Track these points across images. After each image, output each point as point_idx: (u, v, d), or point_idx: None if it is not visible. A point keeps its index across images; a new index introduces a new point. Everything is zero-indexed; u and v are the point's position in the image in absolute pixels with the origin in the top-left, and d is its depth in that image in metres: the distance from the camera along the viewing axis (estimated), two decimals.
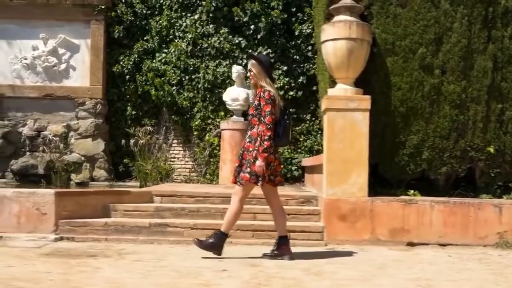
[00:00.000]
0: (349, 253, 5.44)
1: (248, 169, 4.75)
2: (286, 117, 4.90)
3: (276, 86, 8.87)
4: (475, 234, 5.84)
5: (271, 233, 5.88)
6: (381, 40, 6.18)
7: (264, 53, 9.36)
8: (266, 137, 4.69)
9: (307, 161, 8.41)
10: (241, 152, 4.92)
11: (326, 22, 6.31)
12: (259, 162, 4.67)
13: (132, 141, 9.06)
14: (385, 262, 4.98)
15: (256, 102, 4.82)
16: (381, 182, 6.42)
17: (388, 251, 5.63)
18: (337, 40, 5.95)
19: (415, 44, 6.12)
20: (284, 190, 7.62)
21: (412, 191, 6.18)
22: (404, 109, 6.14)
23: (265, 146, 4.68)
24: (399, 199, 5.91)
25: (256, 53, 9.34)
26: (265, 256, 4.98)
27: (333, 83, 6.39)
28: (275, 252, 5.00)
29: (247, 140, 4.87)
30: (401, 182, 6.45)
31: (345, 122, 5.89)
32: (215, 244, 4.90)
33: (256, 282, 4.02)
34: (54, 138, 9.46)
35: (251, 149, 4.77)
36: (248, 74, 4.96)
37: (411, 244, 5.85)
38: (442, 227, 5.86)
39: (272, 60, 9.40)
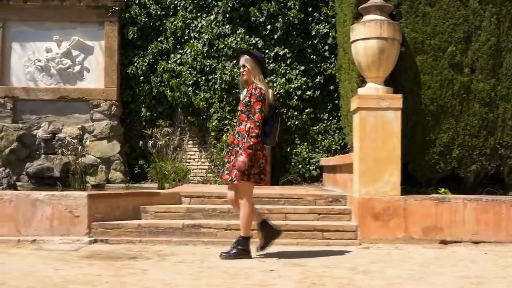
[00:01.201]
0: (387, 252, 5.46)
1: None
2: (275, 116, 4.88)
3: (293, 85, 8.95)
4: (507, 232, 5.87)
5: (305, 232, 5.92)
6: (410, 39, 6.20)
7: (281, 53, 9.36)
8: (253, 134, 4.66)
9: (328, 161, 8.42)
10: (230, 148, 4.93)
11: (355, 21, 6.32)
12: (242, 158, 4.63)
13: (150, 142, 9.03)
14: (426, 260, 5.00)
15: (247, 99, 4.78)
16: (410, 180, 6.43)
17: (423, 249, 5.65)
18: (368, 39, 5.96)
19: (444, 42, 6.15)
20: (302, 190, 7.65)
21: (442, 190, 6.20)
22: (434, 108, 6.17)
23: (251, 143, 4.65)
24: (431, 197, 5.93)
25: (274, 51, 9.35)
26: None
27: (361, 82, 6.40)
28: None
29: (236, 136, 4.87)
30: (430, 180, 6.47)
31: (377, 121, 5.90)
32: (243, 250, 4.93)
33: (310, 282, 4.02)
34: (72, 140, 9.40)
35: (240, 145, 4.75)
36: (242, 70, 4.88)
37: (444, 242, 5.87)
38: (475, 224, 5.89)
39: (289, 61, 9.42)
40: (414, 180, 6.47)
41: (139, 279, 4.06)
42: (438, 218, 5.89)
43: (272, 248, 5.49)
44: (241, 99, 5.00)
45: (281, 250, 5.43)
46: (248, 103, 4.76)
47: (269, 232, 5.05)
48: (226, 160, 4.95)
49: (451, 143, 6.20)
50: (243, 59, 4.90)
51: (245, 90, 5.01)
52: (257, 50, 9.45)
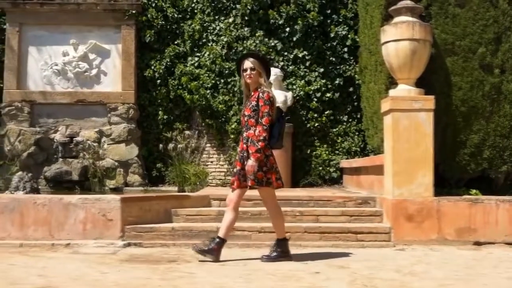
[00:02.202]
0: (423, 253, 5.46)
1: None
2: (281, 119, 4.86)
3: (312, 88, 8.96)
4: None
5: (338, 234, 5.92)
6: (440, 40, 6.21)
7: (300, 55, 9.37)
8: (261, 138, 4.63)
9: (350, 163, 8.42)
10: (241, 155, 4.82)
11: (385, 23, 6.33)
12: (251, 162, 4.61)
13: (171, 145, 9.02)
14: (466, 262, 5.00)
15: (254, 103, 4.72)
16: (439, 181, 6.43)
17: (458, 250, 5.65)
18: (399, 41, 5.97)
19: (474, 44, 6.17)
20: (328, 191, 7.65)
21: (474, 191, 6.21)
22: (465, 109, 6.18)
23: (259, 147, 4.62)
24: (465, 199, 5.94)
25: (293, 54, 9.35)
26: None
27: (391, 84, 6.42)
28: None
29: (244, 141, 4.80)
30: (460, 181, 6.48)
31: (410, 123, 5.92)
32: (283, 252, 4.96)
33: (361, 284, 4.02)
34: (93, 143, 9.39)
35: (251, 151, 4.70)
36: (248, 73, 4.76)
37: (477, 243, 5.88)
38: (508, 225, 5.90)
39: (308, 63, 9.43)
40: (444, 181, 6.47)
41: (190, 282, 4.04)
42: (471, 219, 5.89)
43: (308, 250, 5.51)
44: (244, 102, 4.96)
45: (318, 252, 5.44)
46: (256, 108, 4.70)
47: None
48: (239, 168, 4.80)
49: (482, 144, 6.21)
50: (251, 62, 4.79)
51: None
52: (276, 52, 9.47)
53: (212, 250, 4.85)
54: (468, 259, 5.12)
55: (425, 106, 5.91)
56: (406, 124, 5.91)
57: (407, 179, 5.90)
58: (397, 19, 6.10)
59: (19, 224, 5.86)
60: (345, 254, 5.36)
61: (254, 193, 6.99)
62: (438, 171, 6.33)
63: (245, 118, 4.81)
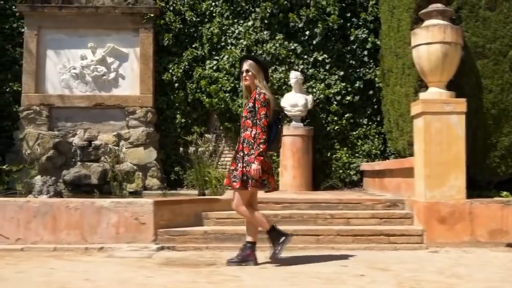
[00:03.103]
0: (458, 256, 5.47)
1: (245, 174, 4.69)
2: (278, 121, 4.87)
3: (332, 91, 8.96)
4: None
5: (371, 237, 5.92)
6: (470, 43, 6.22)
7: (320, 58, 9.39)
8: (262, 140, 4.63)
9: (373, 166, 8.42)
10: (237, 155, 4.83)
11: (415, 26, 6.34)
12: (255, 166, 4.60)
13: (192, 148, 9.02)
14: (505, 264, 5.01)
15: (251, 104, 4.72)
16: (469, 183, 6.43)
17: (492, 252, 5.65)
18: (431, 44, 5.98)
19: (505, 46, 6.18)
20: (353, 194, 7.65)
21: (504, 193, 6.21)
22: (495, 111, 6.19)
23: (261, 149, 4.63)
24: (497, 201, 5.94)
25: (313, 57, 9.37)
26: (230, 262, 4.85)
27: (420, 87, 6.43)
28: (239, 257, 4.89)
29: (242, 143, 4.80)
30: (490, 183, 6.49)
31: (442, 125, 5.92)
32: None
33: (409, 286, 4.02)
34: (114, 147, 9.38)
35: (246, 152, 4.71)
36: (244, 75, 4.81)
37: (510, 245, 5.88)
38: None
39: (328, 66, 9.44)
40: (473, 183, 6.46)
41: (238, 286, 4.04)
42: (503, 221, 5.90)
43: (342, 252, 5.52)
44: (244, 104, 4.96)
45: (354, 254, 5.43)
46: (252, 109, 4.71)
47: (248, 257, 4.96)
48: (232, 168, 4.81)
49: None
50: (247, 64, 4.83)
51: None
52: (296, 55, 9.49)
53: (247, 256, 4.88)
54: (505, 261, 5.12)
55: (456, 109, 5.92)
56: (438, 127, 5.91)
57: (439, 181, 5.90)
58: (428, 22, 6.11)
59: (51, 228, 5.85)
60: (381, 256, 5.37)
61: (283, 195, 7.03)
62: (468, 173, 6.32)
63: (242, 119, 4.82)
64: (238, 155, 4.81)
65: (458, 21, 6.27)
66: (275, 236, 4.91)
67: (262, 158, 4.64)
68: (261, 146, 4.64)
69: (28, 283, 4.12)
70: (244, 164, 4.71)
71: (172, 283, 4.11)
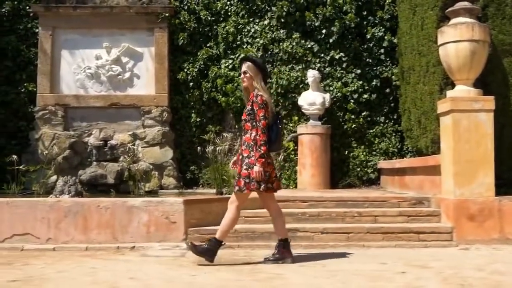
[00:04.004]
0: (490, 253, 5.49)
1: (248, 176, 4.71)
2: (278, 122, 4.88)
3: (349, 89, 8.98)
4: None
5: (401, 235, 5.94)
6: (497, 41, 6.25)
7: (337, 57, 9.41)
8: (262, 142, 4.64)
9: (393, 163, 8.45)
10: (240, 158, 4.86)
11: (441, 24, 6.36)
12: (258, 168, 4.62)
13: (210, 147, 9.01)
14: None
15: (249, 107, 4.75)
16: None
17: None
18: (459, 42, 6.01)
19: None
20: (375, 192, 7.68)
21: None
22: None
23: (262, 152, 4.64)
24: None
25: (329, 55, 9.39)
26: (266, 260, 4.87)
27: (445, 85, 6.45)
28: (276, 255, 4.89)
29: (243, 146, 4.83)
30: None
31: (470, 123, 5.95)
32: (210, 250, 4.83)
33: (456, 283, 4.04)
34: (132, 146, 9.38)
35: (246, 154, 4.74)
36: (242, 76, 4.87)
37: None
38: None
39: (345, 64, 9.47)
40: (498, 181, 6.49)
41: (285, 283, 4.06)
42: None
43: (373, 250, 5.54)
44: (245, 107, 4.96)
45: (387, 252, 5.46)
46: (251, 112, 4.73)
47: (284, 254, 4.94)
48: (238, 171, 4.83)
49: None
50: (245, 66, 4.85)
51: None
52: (313, 54, 9.50)
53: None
54: None
55: (485, 106, 5.94)
56: (466, 125, 5.95)
57: (468, 179, 5.93)
58: (455, 20, 6.13)
59: (82, 227, 5.86)
60: (414, 254, 5.39)
61: (309, 194, 7.05)
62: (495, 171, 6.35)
63: (243, 123, 4.87)
64: (239, 158, 4.86)
65: (484, 18, 6.30)
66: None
67: (263, 160, 4.66)
68: (262, 148, 4.65)
69: (74, 282, 4.12)
70: (246, 167, 4.73)
71: (218, 281, 4.12)
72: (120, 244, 5.79)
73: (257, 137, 4.65)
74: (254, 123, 4.71)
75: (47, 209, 5.87)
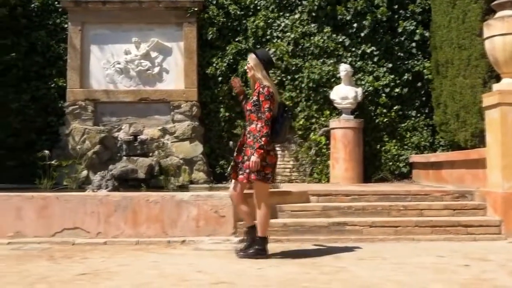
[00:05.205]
0: None
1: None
2: (284, 114, 4.89)
3: (381, 83, 8.97)
4: None
5: (449, 228, 5.94)
6: None
7: (368, 51, 9.41)
8: (264, 134, 4.66)
9: (428, 157, 8.44)
10: (244, 148, 4.88)
11: (486, 17, 6.35)
12: (255, 158, 4.63)
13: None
14: None
15: (255, 98, 4.78)
16: None
17: None
18: (507, 35, 5.99)
19: None
20: (421, 186, 7.67)
21: None
22: None
23: (262, 143, 4.65)
24: None
25: (361, 49, 9.40)
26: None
27: (490, 78, 6.44)
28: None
29: (248, 136, 4.85)
30: None
31: None
32: (260, 250, 4.89)
33: None
34: (166, 141, 9.41)
35: (251, 145, 4.75)
36: (246, 67, 4.99)
37: None
38: None
39: (376, 58, 9.46)
40: None
41: (352, 276, 4.07)
42: None
43: (425, 243, 5.54)
44: (249, 98, 4.99)
45: (439, 245, 5.48)
46: (257, 102, 4.76)
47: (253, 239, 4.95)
48: (239, 160, 4.88)
49: None
50: (249, 57, 4.97)
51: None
52: (344, 48, 9.50)
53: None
54: None
55: None
56: None
57: None
58: (502, 13, 6.12)
59: (132, 221, 5.88)
60: (467, 247, 5.42)
61: (349, 188, 7.05)
62: None
63: (247, 113, 4.88)
64: (243, 148, 4.87)
65: None
66: (253, 235, 4.96)
67: (262, 151, 4.66)
68: (263, 139, 4.67)
69: (141, 275, 4.14)
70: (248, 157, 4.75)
71: (286, 274, 4.14)
72: (170, 238, 5.81)
73: (261, 128, 4.68)
74: (259, 114, 4.73)
75: (97, 203, 5.89)
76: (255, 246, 4.94)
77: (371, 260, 4.76)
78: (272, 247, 5.46)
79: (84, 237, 5.84)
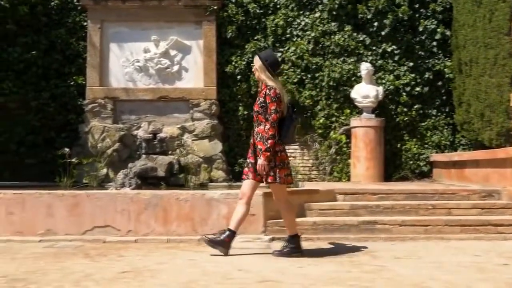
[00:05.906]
0: None
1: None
2: (292, 115, 4.88)
3: (401, 82, 8.97)
4: None
5: (479, 227, 5.94)
6: None
7: (389, 49, 9.42)
8: (270, 135, 4.66)
9: (450, 156, 8.45)
10: (253, 149, 4.88)
11: None
12: (261, 161, 4.65)
13: None
14: None
15: (262, 99, 4.77)
16: None
17: None
18: None
19: None
20: (446, 185, 7.67)
21: None
22: None
23: (268, 145, 4.65)
24: None
25: (381, 48, 9.40)
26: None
27: None
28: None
29: (256, 137, 4.84)
30: None
31: None
32: (294, 248, 4.93)
33: None
34: (183, 139, 9.42)
35: (260, 146, 4.74)
36: (253, 69, 5.01)
37: None
38: None
39: (397, 57, 9.45)
40: None
41: (394, 275, 4.08)
42: None
43: (456, 242, 5.55)
44: (258, 99, 4.96)
45: (469, 245, 5.48)
46: (264, 104, 4.75)
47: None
48: (253, 161, 4.86)
49: None
50: (254, 59, 4.98)
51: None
52: (365, 47, 9.50)
53: (224, 242, 4.88)
54: None
55: None
56: None
57: None
58: None
59: (162, 220, 5.89)
60: (499, 246, 5.42)
61: (378, 187, 7.06)
62: None
63: (255, 114, 4.87)
64: (254, 149, 4.87)
65: None
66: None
67: (268, 154, 4.67)
68: (269, 141, 4.66)
69: (184, 273, 4.15)
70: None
71: (328, 273, 4.14)
72: (201, 236, 5.79)
73: (267, 130, 4.68)
74: (267, 116, 4.72)
75: (127, 201, 5.90)
76: (289, 245, 4.95)
77: (407, 259, 4.76)
78: (304, 246, 5.47)
79: (114, 235, 5.85)
